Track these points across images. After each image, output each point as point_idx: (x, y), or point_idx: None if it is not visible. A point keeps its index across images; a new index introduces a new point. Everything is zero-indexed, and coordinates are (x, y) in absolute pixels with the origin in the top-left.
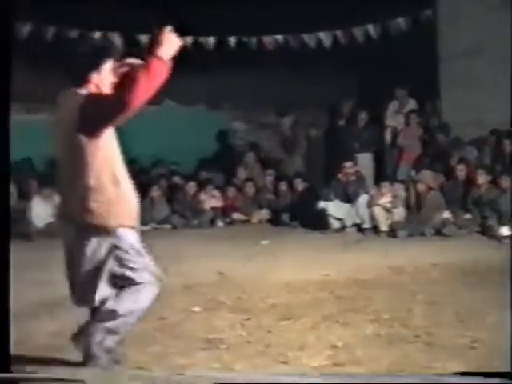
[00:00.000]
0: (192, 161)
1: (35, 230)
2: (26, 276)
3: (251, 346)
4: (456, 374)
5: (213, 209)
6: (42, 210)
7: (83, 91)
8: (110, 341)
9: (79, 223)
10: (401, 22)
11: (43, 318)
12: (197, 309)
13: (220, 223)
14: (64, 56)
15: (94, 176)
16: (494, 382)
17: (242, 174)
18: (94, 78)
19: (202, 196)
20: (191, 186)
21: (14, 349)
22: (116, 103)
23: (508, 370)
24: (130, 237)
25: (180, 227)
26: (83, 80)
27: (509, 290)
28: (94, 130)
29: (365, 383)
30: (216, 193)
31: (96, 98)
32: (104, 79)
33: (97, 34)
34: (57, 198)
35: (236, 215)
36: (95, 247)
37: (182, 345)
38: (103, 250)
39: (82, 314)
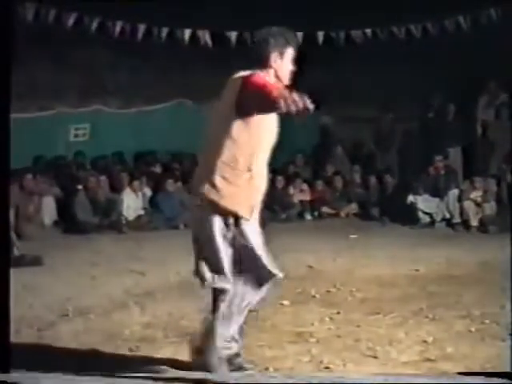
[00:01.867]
0: (281, 155)
1: (126, 221)
2: (117, 267)
3: (340, 340)
4: (456, 374)
5: (301, 202)
6: (132, 203)
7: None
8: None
9: (203, 197)
10: (491, 12)
11: (134, 310)
12: (286, 302)
13: (308, 217)
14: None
15: (231, 154)
16: (494, 382)
17: (330, 167)
18: (275, 63)
19: (291, 190)
20: (279, 180)
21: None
22: (270, 101)
23: (508, 370)
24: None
25: (268, 221)
26: (266, 63)
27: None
28: (247, 111)
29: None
30: (304, 186)
31: (258, 85)
32: (283, 66)
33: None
34: (147, 191)
35: (324, 209)
36: (222, 227)
37: (271, 338)
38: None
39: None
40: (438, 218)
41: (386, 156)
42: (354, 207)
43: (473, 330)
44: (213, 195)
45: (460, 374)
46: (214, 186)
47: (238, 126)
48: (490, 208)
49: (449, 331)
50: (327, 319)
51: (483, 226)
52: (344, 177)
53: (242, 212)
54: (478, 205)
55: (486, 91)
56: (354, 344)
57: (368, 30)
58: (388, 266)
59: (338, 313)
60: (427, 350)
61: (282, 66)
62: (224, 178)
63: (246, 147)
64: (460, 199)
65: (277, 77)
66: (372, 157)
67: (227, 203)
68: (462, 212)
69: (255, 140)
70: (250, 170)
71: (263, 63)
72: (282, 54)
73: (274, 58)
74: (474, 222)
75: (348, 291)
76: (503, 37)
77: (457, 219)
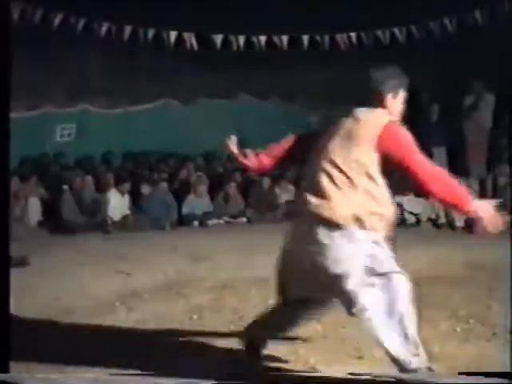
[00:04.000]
0: None
1: (111, 222)
2: (104, 267)
3: (327, 341)
4: (456, 374)
5: (287, 203)
6: (118, 203)
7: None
8: None
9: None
10: (477, 14)
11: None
12: (271, 303)
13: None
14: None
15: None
16: (494, 382)
17: None
18: (389, 102)
19: (277, 190)
20: (266, 181)
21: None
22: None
23: (508, 370)
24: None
25: (254, 221)
26: (382, 102)
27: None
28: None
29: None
30: (290, 187)
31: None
32: (396, 106)
33: (172, 34)
34: (133, 192)
35: None
36: (339, 243)
37: None
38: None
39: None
40: (424, 219)
41: None
42: None
43: (458, 330)
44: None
45: (460, 373)
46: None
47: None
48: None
49: (435, 331)
50: (313, 320)
51: (468, 227)
52: None
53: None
54: None
55: (472, 91)
56: (340, 344)
57: (352, 34)
58: None
59: None
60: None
61: (394, 105)
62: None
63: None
64: None
65: (389, 115)
66: None
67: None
68: (447, 212)
69: None
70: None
71: (380, 103)
72: (396, 95)
73: (389, 98)
74: (459, 222)
75: None
76: (488, 38)
77: (442, 219)
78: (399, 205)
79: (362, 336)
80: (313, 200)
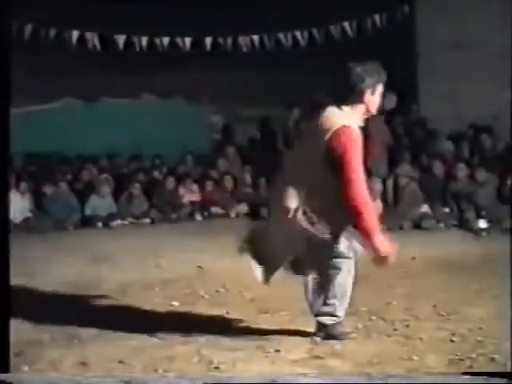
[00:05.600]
0: (171, 155)
1: (12, 224)
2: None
3: (229, 340)
4: (456, 374)
5: (191, 203)
6: (18, 205)
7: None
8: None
9: None
10: (377, 18)
11: None
12: (175, 303)
13: (198, 217)
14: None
15: None
16: (494, 382)
17: (221, 168)
18: (367, 99)
19: (181, 190)
20: (170, 181)
21: None
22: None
23: (508, 370)
24: None
25: (158, 222)
26: (360, 99)
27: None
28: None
29: (363, 383)
30: (194, 187)
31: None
32: (374, 101)
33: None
34: (34, 192)
35: (214, 209)
36: None
37: (164, 340)
38: None
39: None
40: None
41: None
42: (243, 207)
43: (360, 326)
44: None
45: (460, 373)
46: None
47: None
48: (377, 207)
49: None
50: (217, 319)
51: None
52: (235, 177)
53: None
54: None
55: None
56: (243, 343)
57: (255, 37)
58: None
59: (228, 313)
60: (316, 347)
61: (373, 100)
62: None
63: None
64: None
65: (367, 110)
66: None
67: None
68: None
69: None
70: None
71: (357, 99)
72: (374, 91)
73: (367, 94)
74: None
75: (237, 291)
76: (389, 40)
77: None
78: None
79: (265, 334)
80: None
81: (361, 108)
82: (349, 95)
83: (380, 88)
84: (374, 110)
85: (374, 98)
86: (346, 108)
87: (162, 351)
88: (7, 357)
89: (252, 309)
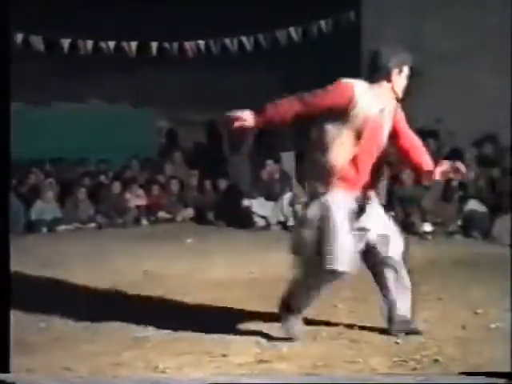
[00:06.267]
0: (118, 159)
1: None
2: None
3: (176, 344)
4: (456, 374)
5: (137, 207)
6: None
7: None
8: None
9: None
10: (323, 24)
11: None
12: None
13: (144, 222)
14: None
15: None
16: (494, 382)
17: (167, 172)
18: (394, 78)
19: (127, 195)
20: (116, 185)
21: None
22: None
23: (508, 370)
24: None
25: (104, 226)
26: (388, 77)
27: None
28: None
29: (363, 383)
30: (140, 191)
31: None
32: (400, 81)
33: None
34: None
35: (160, 214)
36: None
37: (108, 344)
38: None
39: None
40: (273, 222)
41: (234, 159)
42: (189, 212)
43: (307, 330)
44: None
45: (460, 373)
46: None
47: None
48: None
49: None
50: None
51: None
52: (181, 181)
53: None
54: None
55: None
56: (189, 347)
57: (201, 42)
58: (224, 270)
59: (174, 317)
60: (262, 351)
61: (399, 81)
62: None
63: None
64: (293, 203)
65: (393, 90)
66: (216, 160)
67: None
68: (295, 215)
69: None
70: None
71: (386, 77)
72: (400, 71)
73: (394, 73)
74: None
75: (184, 296)
76: (335, 45)
77: (291, 222)
78: (248, 208)
79: (212, 338)
80: None
81: (387, 88)
82: (376, 74)
83: (406, 70)
84: (399, 91)
85: (400, 78)
86: (373, 85)
87: (109, 357)
88: (7, 357)
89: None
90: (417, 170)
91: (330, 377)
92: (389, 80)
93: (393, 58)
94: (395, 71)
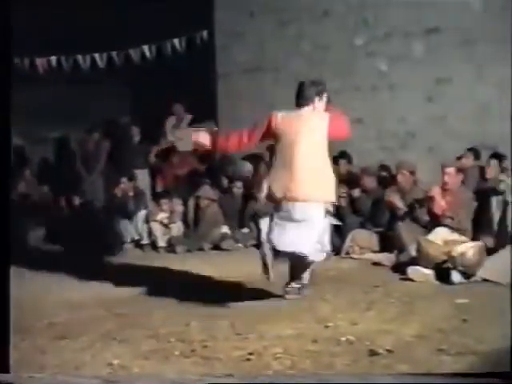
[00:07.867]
0: None
1: None
2: None
3: (26, 367)
4: (456, 374)
5: None
6: None
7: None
8: None
9: None
10: (176, 42)
11: None
12: None
13: None
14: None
15: None
16: (494, 382)
17: (19, 190)
18: (316, 103)
19: None
20: None
21: None
22: None
23: (508, 369)
24: None
25: None
26: (312, 103)
27: None
28: None
29: (363, 383)
30: None
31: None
32: (321, 105)
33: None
34: None
35: None
36: None
37: None
38: None
39: None
40: (128, 240)
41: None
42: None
43: (158, 348)
44: None
45: (460, 374)
46: None
47: None
48: (177, 229)
49: (135, 352)
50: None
51: (171, 246)
52: (34, 199)
53: None
54: (165, 226)
55: (173, 114)
56: (39, 371)
57: (52, 58)
58: (78, 289)
59: (24, 340)
60: (114, 372)
61: (320, 104)
62: None
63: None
64: (147, 220)
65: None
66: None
67: None
68: (150, 233)
69: None
70: None
71: (310, 103)
72: (320, 97)
73: (316, 100)
74: (162, 243)
75: (35, 316)
76: (188, 63)
77: (145, 240)
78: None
79: (62, 361)
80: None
81: (309, 110)
82: (302, 100)
83: (325, 95)
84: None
85: (320, 103)
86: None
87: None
88: (7, 357)
89: (51, 334)
90: None
91: (329, 377)
92: (313, 106)
93: (315, 89)
94: (316, 98)
